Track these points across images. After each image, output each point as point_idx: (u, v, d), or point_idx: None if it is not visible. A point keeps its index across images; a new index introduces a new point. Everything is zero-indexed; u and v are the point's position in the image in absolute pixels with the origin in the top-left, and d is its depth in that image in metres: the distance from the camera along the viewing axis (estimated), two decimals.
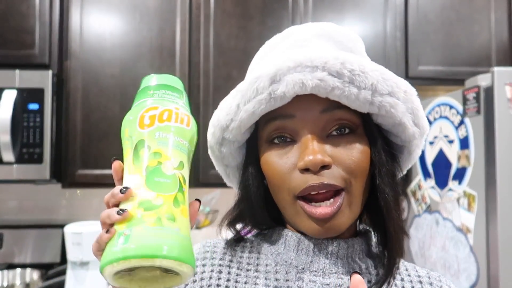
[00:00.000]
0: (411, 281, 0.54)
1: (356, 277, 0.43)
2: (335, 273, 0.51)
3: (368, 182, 0.51)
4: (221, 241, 0.60)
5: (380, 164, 0.50)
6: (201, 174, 1.73)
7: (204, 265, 0.57)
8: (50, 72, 1.63)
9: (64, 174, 1.70)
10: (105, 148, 1.70)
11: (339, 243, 0.52)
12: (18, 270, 1.83)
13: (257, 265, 0.55)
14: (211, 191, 2.03)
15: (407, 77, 1.84)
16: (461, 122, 1.44)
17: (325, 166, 0.47)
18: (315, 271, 0.51)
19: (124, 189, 0.40)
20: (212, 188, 1.94)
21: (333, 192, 0.48)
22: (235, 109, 0.51)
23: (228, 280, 0.54)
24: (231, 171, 0.60)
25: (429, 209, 1.65)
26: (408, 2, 1.85)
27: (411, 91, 0.51)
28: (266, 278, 0.53)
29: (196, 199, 0.45)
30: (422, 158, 1.69)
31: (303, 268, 0.52)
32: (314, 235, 0.50)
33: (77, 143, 1.69)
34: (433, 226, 1.61)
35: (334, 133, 0.49)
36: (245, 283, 0.54)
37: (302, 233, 0.53)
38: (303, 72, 0.46)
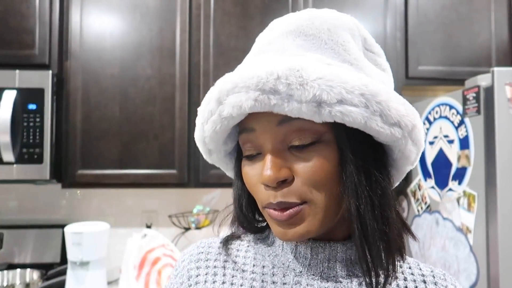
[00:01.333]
0: (414, 281, 0.52)
1: None
2: (334, 276, 0.50)
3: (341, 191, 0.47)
4: (216, 240, 0.60)
5: (345, 174, 0.46)
6: (201, 174, 1.73)
7: (198, 268, 0.56)
8: (50, 72, 1.63)
9: (64, 174, 1.70)
10: (105, 148, 1.70)
11: (337, 246, 0.51)
12: (18, 270, 1.83)
13: (254, 266, 0.55)
14: (211, 191, 2.03)
15: (407, 77, 1.84)
16: (461, 122, 1.44)
17: (284, 181, 0.46)
18: (313, 275, 0.51)
19: None
20: (212, 188, 1.95)
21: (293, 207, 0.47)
22: (201, 127, 0.53)
23: (224, 282, 0.54)
24: (231, 173, 0.60)
25: (429, 209, 1.65)
26: (408, 2, 1.85)
27: (372, 91, 0.44)
28: (263, 281, 0.52)
29: None
30: (422, 158, 1.69)
31: (301, 272, 0.52)
32: (279, 238, 0.49)
33: (77, 143, 1.69)
34: (433, 226, 1.61)
35: (296, 143, 0.47)
36: (241, 285, 0.53)
37: None
38: (239, 93, 0.45)
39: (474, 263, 1.37)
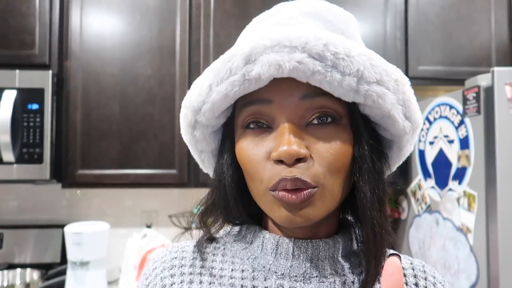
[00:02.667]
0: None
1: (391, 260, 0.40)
2: (317, 276, 0.48)
3: (349, 177, 0.47)
4: (190, 243, 0.55)
5: (361, 159, 0.45)
6: (201, 174, 1.73)
7: (173, 276, 0.51)
8: (50, 72, 1.63)
9: (64, 174, 1.69)
10: (105, 148, 1.70)
11: (319, 244, 0.48)
12: (18, 270, 1.83)
13: (232, 270, 0.50)
14: None
15: (407, 77, 1.83)
16: (461, 122, 1.44)
17: (300, 159, 0.43)
18: (296, 276, 0.48)
19: None
20: None
21: (305, 189, 0.44)
22: (207, 90, 0.46)
23: None
24: (205, 156, 0.56)
25: (429, 209, 1.65)
26: (408, 2, 1.85)
27: (403, 80, 0.46)
28: (242, 286, 0.48)
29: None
30: (422, 158, 1.69)
31: (282, 274, 0.48)
32: (283, 223, 0.45)
33: (77, 143, 1.69)
34: (433, 226, 1.61)
35: (315, 122, 0.44)
36: None
37: (282, 233, 0.50)
38: (281, 52, 0.41)
39: (474, 263, 1.37)
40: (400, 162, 0.54)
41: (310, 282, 0.48)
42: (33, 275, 1.83)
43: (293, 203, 0.43)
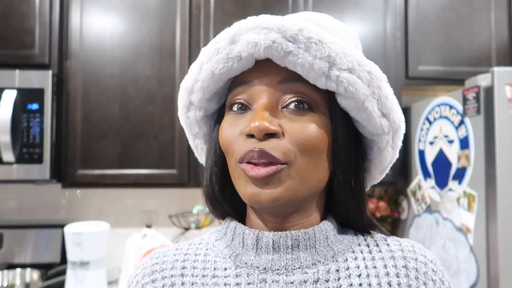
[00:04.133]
0: (382, 258, 0.51)
1: None
2: (299, 267, 0.48)
3: (326, 165, 0.48)
4: (172, 247, 0.55)
5: (337, 148, 0.48)
6: (201, 174, 1.73)
7: (154, 281, 0.51)
8: (50, 72, 1.63)
9: (64, 174, 1.69)
10: (105, 148, 1.70)
11: (298, 235, 0.49)
12: (18, 270, 1.83)
13: (215, 269, 0.50)
14: None
15: (407, 77, 1.84)
16: (461, 122, 1.44)
17: (271, 135, 0.45)
18: (278, 269, 0.48)
19: None
20: None
21: (274, 164, 0.45)
22: (198, 68, 0.50)
23: None
24: (198, 142, 0.57)
25: (429, 209, 1.65)
26: (408, 2, 1.85)
27: (379, 75, 0.47)
28: (225, 284, 0.48)
29: None
30: (422, 158, 1.69)
31: (265, 268, 0.48)
32: (248, 201, 0.47)
33: (77, 143, 1.69)
34: (433, 226, 1.61)
35: (291, 106, 0.47)
36: None
37: (262, 226, 0.51)
38: (259, 33, 0.45)
39: (474, 263, 1.37)
40: (384, 169, 0.55)
41: (293, 274, 0.48)
42: (33, 275, 1.83)
43: (256, 176, 0.45)
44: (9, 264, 1.86)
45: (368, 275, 0.48)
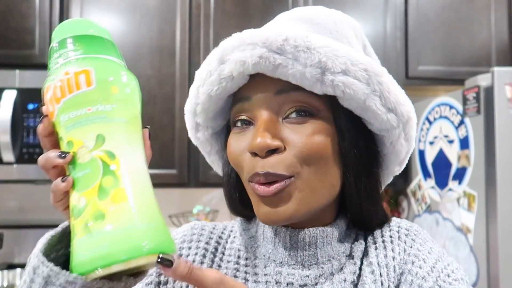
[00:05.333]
0: (375, 242, 0.52)
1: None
2: (315, 264, 0.49)
3: (336, 170, 0.47)
4: (210, 225, 0.59)
5: (345, 152, 0.47)
6: (201, 174, 1.73)
7: (190, 248, 0.55)
8: None
9: None
10: None
11: (316, 233, 0.49)
12: (18, 270, 1.83)
13: (238, 257, 0.53)
14: (211, 191, 2.03)
15: (407, 77, 1.84)
16: (461, 122, 1.44)
17: (274, 151, 0.45)
18: (294, 264, 0.49)
19: (64, 155, 0.35)
20: (212, 188, 1.94)
21: (281, 180, 0.45)
22: (196, 92, 0.51)
23: (210, 267, 0.53)
24: (213, 158, 0.58)
25: (429, 209, 1.65)
26: (408, 2, 1.85)
27: (377, 70, 0.45)
28: (246, 272, 0.52)
29: (146, 127, 0.40)
30: (422, 158, 1.69)
31: (281, 262, 0.50)
32: (262, 221, 0.47)
33: None
34: (433, 226, 1.61)
35: (292, 116, 0.46)
36: (225, 274, 0.50)
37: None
38: (245, 50, 0.44)
39: (474, 263, 1.37)
40: (402, 162, 0.53)
41: (309, 269, 0.49)
42: None
43: (266, 195, 0.45)
44: (9, 264, 1.86)
45: (379, 272, 0.49)
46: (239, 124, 0.49)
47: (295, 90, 0.45)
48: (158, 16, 1.75)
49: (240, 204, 0.55)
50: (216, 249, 0.55)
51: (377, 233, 0.52)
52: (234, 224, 0.59)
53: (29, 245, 1.90)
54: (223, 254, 0.55)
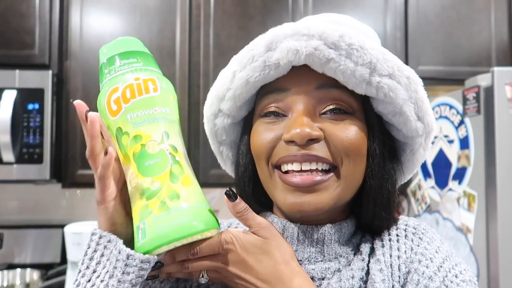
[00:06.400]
0: (382, 240, 0.51)
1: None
2: (321, 261, 0.49)
3: (364, 167, 0.48)
4: (226, 221, 0.59)
5: (373, 153, 0.47)
6: (201, 174, 1.73)
7: None
8: (50, 72, 1.63)
9: (64, 174, 1.69)
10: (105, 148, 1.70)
11: (325, 229, 0.49)
12: (18, 270, 1.83)
13: None
14: (211, 191, 2.03)
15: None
16: (461, 122, 1.44)
17: (313, 140, 0.44)
18: (301, 260, 0.49)
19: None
20: (212, 188, 1.94)
21: (319, 171, 0.45)
22: (231, 77, 0.49)
23: None
24: (224, 148, 0.57)
25: (429, 209, 1.65)
26: (408, 2, 1.85)
27: (416, 80, 0.48)
28: None
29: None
30: None
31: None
32: (289, 210, 0.46)
33: (77, 143, 1.69)
34: (433, 226, 1.61)
35: (330, 113, 0.46)
36: None
37: (288, 219, 0.51)
38: (299, 40, 0.44)
39: (474, 263, 1.37)
40: (414, 169, 0.55)
41: (315, 264, 0.49)
42: (33, 275, 1.83)
43: (301, 184, 0.45)
44: (9, 264, 1.86)
45: (387, 271, 0.48)
46: (269, 115, 0.48)
47: (336, 87, 0.46)
48: (158, 16, 1.75)
49: (253, 198, 0.54)
50: None
51: (385, 231, 0.52)
52: (233, 221, 0.59)
53: (29, 245, 1.90)
54: None
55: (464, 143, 1.43)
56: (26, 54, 1.68)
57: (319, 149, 0.45)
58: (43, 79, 1.62)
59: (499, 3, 1.88)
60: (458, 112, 1.46)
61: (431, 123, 0.49)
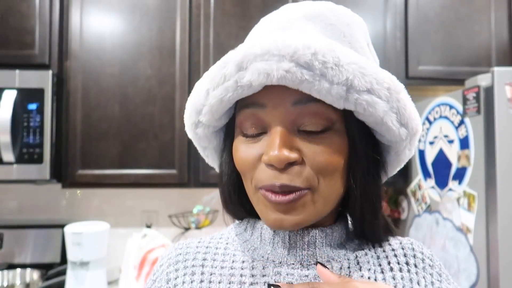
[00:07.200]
0: (386, 257, 0.52)
1: (319, 268, 0.44)
2: (314, 263, 0.49)
3: (344, 179, 0.48)
4: (195, 240, 0.58)
5: (355, 164, 0.47)
6: (201, 174, 1.73)
7: (177, 270, 0.54)
8: (50, 72, 1.63)
9: (64, 174, 1.69)
10: (105, 148, 1.70)
11: (315, 232, 0.50)
12: (18, 270, 1.83)
13: (233, 261, 0.53)
14: (211, 191, 2.03)
15: (407, 77, 1.84)
16: (461, 122, 1.44)
17: (292, 163, 0.44)
18: (293, 264, 0.49)
19: None
20: (212, 188, 1.95)
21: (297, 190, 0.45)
22: (205, 94, 0.48)
23: (202, 281, 0.51)
24: (209, 152, 0.57)
25: (429, 209, 1.65)
26: (408, 2, 1.85)
27: (397, 88, 0.45)
28: (241, 275, 0.51)
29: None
30: (422, 158, 1.69)
31: (280, 262, 0.50)
32: (271, 226, 0.47)
33: (77, 143, 1.69)
34: (433, 226, 1.61)
35: (308, 128, 0.45)
36: (219, 282, 0.51)
37: None
38: (270, 61, 0.42)
39: (474, 263, 1.37)
40: (399, 167, 0.55)
41: (308, 269, 0.49)
42: (33, 275, 1.83)
43: (280, 202, 0.45)
44: (9, 264, 1.86)
45: (375, 271, 0.50)
46: (248, 131, 0.47)
47: (313, 101, 0.44)
48: (158, 16, 1.75)
49: (238, 205, 0.54)
50: (204, 259, 0.54)
51: (389, 252, 0.53)
52: (224, 232, 0.59)
53: (29, 245, 1.90)
54: (214, 260, 0.54)
55: (464, 143, 1.43)
56: (26, 54, 1.68)
57: (297, 175, 0.44)
58: (43, 79, 1.62)
59: (499, 3, 1.88)
60: (458, 112, 1.46)
61: (415, 126, 0.48)
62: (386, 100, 0.44)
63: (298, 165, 0.44)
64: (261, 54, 0.42)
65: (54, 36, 1.70)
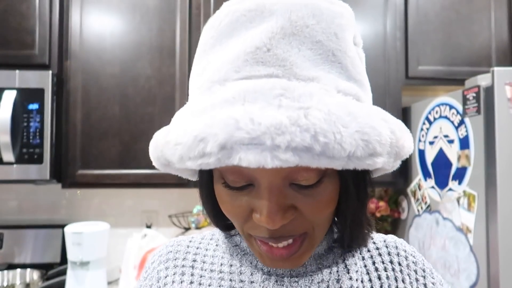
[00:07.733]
0: (371, 257, 0.54)
1: None
2: (304, 272, 0.50)
3: (333, 213, 0.48)
4: (186, 239, 0.58)
5: (347, 197, 0.46)
6: None
7: (167, 268, 0.54)
8: (50, 72, 1.63)
9: (64, 174, 1.69)
10: (105, 148, 1.70)
11: None
12: (18, 270, 1.83)
13: (221, 265, 0.53)
14: None
15: (407, 77, 1.84)
16: (461, 122, 1.44)
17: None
18: (282, 273, 0.50)
19: None
20: None
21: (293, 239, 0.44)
22: (178, 159, 0.40)
23: (192, 282, 0.52)
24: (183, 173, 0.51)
25: (429, 209, 1.65)
26: (408, 2, 1.85)
27: (398, 136, 0.41)
28: (231, 280, 0.51)
29: None
30: (422, 158, 1.69)
31: (269, 271, 0.50)
32: (267, 266, 0.47)
33: (77, 143, 1.69)
34: (433, 226, 1.61)
35: (303, 183, 0.41)
36: (209, 285, 0.51)
37: None
38: (263, 151, 0.35)
39: (474, 263, 1.37)
40: (383, 173, 0.53)
41: (297, 277, 0.50)
42: (33, 275, 1.83)
43: (279, 255, 0.44)
44: (9, 264, 1.86)
45: (361, 273, 0.52)
46: (233, 184, 0.43)
47: None
48: (158, 16, 1.75)
49: (221, 220, 0.53)
50: (194, 260, 0.54)
51: (374, 251, 0.54)
52: (215, 232, 0.59)
53: (29, 245, 1.90)
54: (204, 262, 0.54)
55: (464, 143, 1.43)
56: (26, 54, 1.68)
57: (292, 227, 0.43)
58: (43, 79, 1.62)
59: (499, 3, 1.88)
60: (458, 112, 1.46)
61: (408, 153, 0.44)
62: (388, 153, 0.41)
63: (294, 218, 0.42)
64: (249, 139, 0.35)
65: (54, 36, 1.70)
